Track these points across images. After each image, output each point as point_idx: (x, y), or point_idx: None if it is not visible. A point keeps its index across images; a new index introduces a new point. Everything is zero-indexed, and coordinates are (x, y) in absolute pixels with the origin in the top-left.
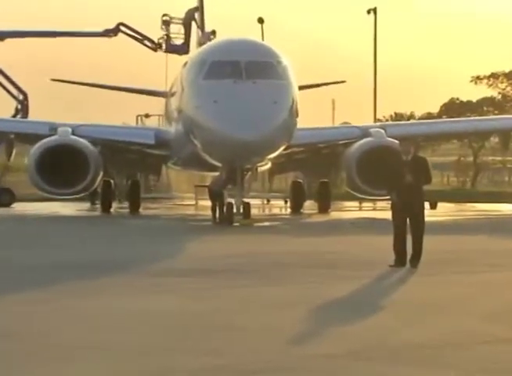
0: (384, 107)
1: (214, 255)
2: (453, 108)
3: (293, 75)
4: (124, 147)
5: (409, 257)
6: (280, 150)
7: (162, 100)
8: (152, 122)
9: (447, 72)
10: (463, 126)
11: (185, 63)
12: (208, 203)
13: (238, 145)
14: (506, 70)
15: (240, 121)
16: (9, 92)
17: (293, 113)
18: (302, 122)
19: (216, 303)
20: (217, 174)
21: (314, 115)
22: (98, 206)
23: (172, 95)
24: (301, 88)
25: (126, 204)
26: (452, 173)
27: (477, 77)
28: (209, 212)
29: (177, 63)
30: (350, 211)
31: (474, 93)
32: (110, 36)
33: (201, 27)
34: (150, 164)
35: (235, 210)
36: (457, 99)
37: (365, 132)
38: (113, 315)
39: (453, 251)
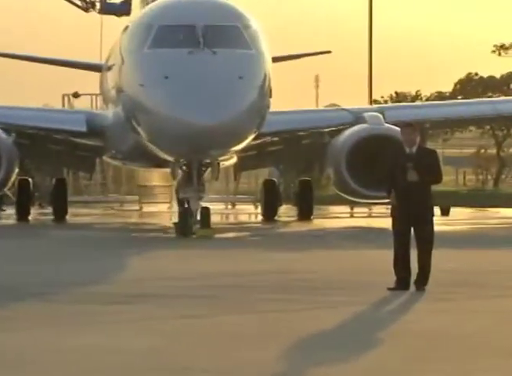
0: (383, 85)
1: (161, 277)
2: (471, 86)
3: (265, 43)
4: (47, 136)
5: (413, 277)
6: (249, 140)
7: (96, 75)
8: (82, 104)
9: (462, 40)
10: (484, 109)
11: (126, 28)
12: (156, 208)
13: (194, 133)
14: None
15: (197, 103)
16: None
17: (265, 91)
18: (277, 104)
19: (161, 339)
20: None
21: (292, 95)
22: (6, 212)
23: (109, 69)
24: (275, 59)
25: (49, 210)
26: (470, 169)
27: (502, 47)
28: (156, 220)
29: (115, 27)
30: (338, 217)
31: (498, 67)
32: None
33: None
34: (81, 157)
35: (190, 217)
36: (476, 74)
37: (357, 117)
38: (19, 353)
39: (470, 270)
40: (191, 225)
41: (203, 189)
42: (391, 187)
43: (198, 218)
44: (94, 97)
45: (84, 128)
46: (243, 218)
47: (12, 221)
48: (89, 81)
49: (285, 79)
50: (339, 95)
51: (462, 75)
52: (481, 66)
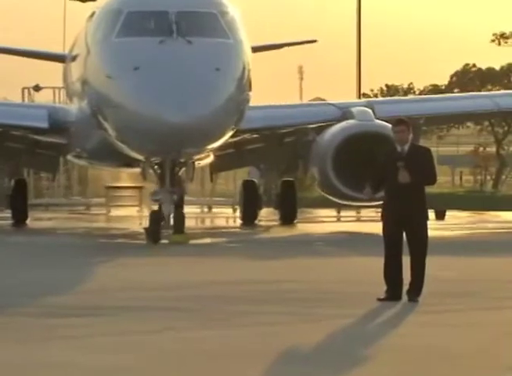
0: (372, 77)
1: (130, 287)
2: (468, 78)
3: (244, 32)
4: (5, 133)
5: (406, 287)
6: (226, 137)
7: (59, 67)
8: (44, 97)
9: (459, 28)
10: (482, 103)
11: (92, 15)
12: (125, 212)
13: (166, 130)
14: None
15: (169, 97)
16: None
17: (244, 84)
18: (257, 98)
19: (129, 357)
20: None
21: (274, 88)
22: None
23: (73, 59)
24: (255, 49)
25: (7, 214)
26: (467, 169)
27: (502, 35)
28: (125, 225)
29: (80, 14)
30: (324, 222)
31: (497, 57)
32: None
33: None
34: (42, 156)
35: (162, 222)
36: (473, 65)
37: (345, 112)
38: None
39: (468, 279)
40: (162, 231)
41: (179, 191)
42: (376, 186)
43: (171, 223)
44: (57, 90)
45: (45, 124)
46: (221, 222)
47: None
48: (51, 73)
49: (266, 71)
50: (325, 88)
51: (458, 67)
52: (479, 56)
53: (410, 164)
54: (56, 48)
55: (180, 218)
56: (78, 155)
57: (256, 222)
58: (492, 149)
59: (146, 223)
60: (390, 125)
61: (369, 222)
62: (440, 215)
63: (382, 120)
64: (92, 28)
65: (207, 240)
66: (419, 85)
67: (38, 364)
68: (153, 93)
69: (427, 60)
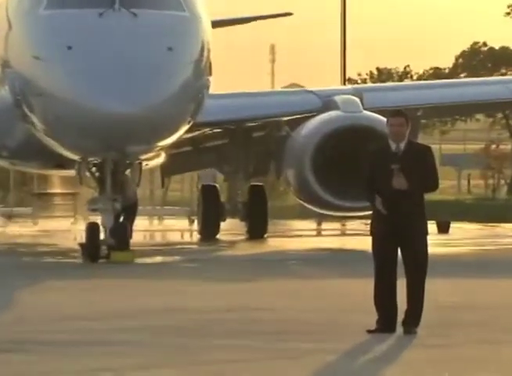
0: (360, 59)
1: (58, 316)
2: (477, 60)
3: (203, 3)
4: None
5: (401, 316)
6: (181, 133)
7: None
8: None
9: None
10: (495, 90)
11: None
12: (56, 224)
13: (107, 123)
14: None
15: (111, 82)
16: None
17: (203, 68)
18: (218, 84)
19: None
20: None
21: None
22: None
23: None
24: (216, 24)
25: None
26: (476, 172)
27: None
28: (56, 240)
29: None
30: (301, 236)
31: None
32: None
33: None
34: None
35: (102, 235)
36: (484, 44)
37: (327, 102)
38: None
39: (475, 305)
40: (101, 248)
41: (123, 198)
42: (371, 195)
43: (113, 237)
44: None
45: None
46: (174, 237)
47: None
48: None
49: (230, 51)
50: (302, 72)
51: (465, 46)
52: (490, 33)
53: (407, 166)
54: None
55: (123, 231)
56: None
57: (218, 236)
58: (507, 146)
59: (81, 238)
60: (381, 118)
61: (356, 236)
62: (443, 228)
63: (372, 111)
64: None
65: (157, 259)
66: (417, 69)
67: None
68: (91, 78)
69: (428, 38)
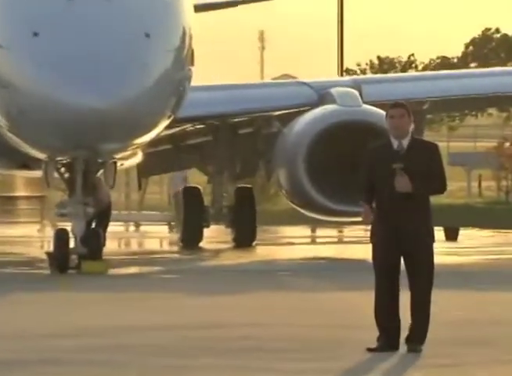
0: (360, 48)
1: (22, 334)
2: (489, 48)
3: None
4: None
5: (404, 332)
6: (160, 129)
7: None
8: None
9: None
10: (508, 82)
11: None
12: (21, 230)
13: (77, 118)
14: None
15: (81, 73)
16: None
17: (184, 57)
18: (201, 75)
19: None
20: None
21: (226, 61)
22: None
23: None
24: (199, 8)
25: None
26: (488, 172)
27: None
28: (21, 248)
29: None
30: (294, 244)
31: None
32: None
33: None
34: None
35: (72, 244)
36: (496, 30)
37: (322, 95)
38: None
39: (485, 321)
40: (71, 257)
41: (95, 202)
42: (370, 198)
43: (83, 245)
44: None
45: None
46: (152, 245)
47: None
48: None
49: (215, 38)
50: (294, 61)
51: (476, 32)
52: (504, 18)
53: (411, 165)
54: None
55: (96, 239)
56: None
57: (201, 244)
58: None
59: (49, 246)
60: (383, 112)
61: (354, 244)
62: (451, 235)
63: (372, 105)
64: None
65: (133, 270)
66: (422, 58)
67: None
68: (59, 68)
69: (434, 25)
